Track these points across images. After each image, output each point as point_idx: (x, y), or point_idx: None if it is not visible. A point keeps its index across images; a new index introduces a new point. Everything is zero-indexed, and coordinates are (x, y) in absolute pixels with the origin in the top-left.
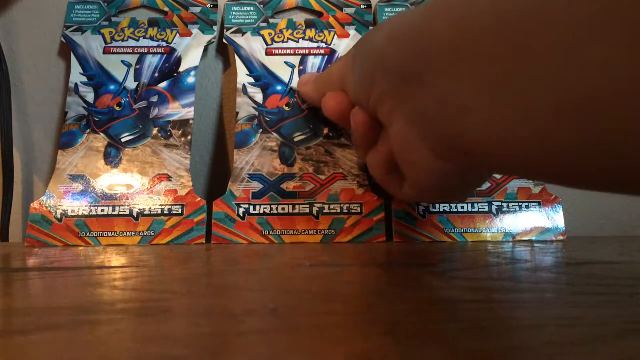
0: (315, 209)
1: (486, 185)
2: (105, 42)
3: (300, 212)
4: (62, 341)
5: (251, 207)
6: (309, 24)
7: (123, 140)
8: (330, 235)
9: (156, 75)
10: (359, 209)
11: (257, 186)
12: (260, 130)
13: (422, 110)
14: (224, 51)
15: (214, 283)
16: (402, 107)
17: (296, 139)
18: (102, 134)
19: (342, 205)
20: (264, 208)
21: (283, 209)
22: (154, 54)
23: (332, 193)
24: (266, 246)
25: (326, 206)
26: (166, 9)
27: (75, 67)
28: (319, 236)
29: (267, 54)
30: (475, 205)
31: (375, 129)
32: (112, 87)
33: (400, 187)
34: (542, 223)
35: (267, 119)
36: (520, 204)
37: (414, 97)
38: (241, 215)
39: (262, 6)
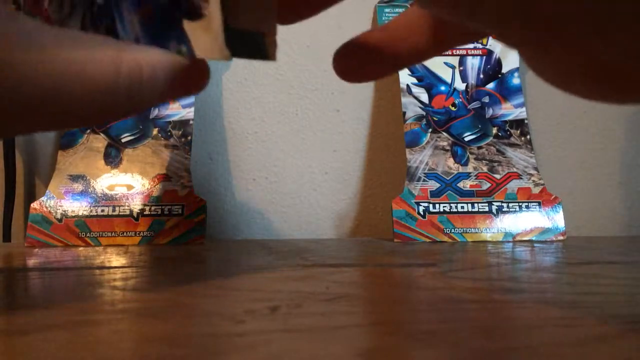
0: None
1: (486, 185)
2: None
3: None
4: (62, 341)
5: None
6: None
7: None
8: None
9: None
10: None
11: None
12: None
13: None
14: None
15: (214, 283)
16: None
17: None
18: (102, 135)
19: (520, 204)
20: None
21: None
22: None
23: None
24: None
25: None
26: None
27: None
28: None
29: None
30: (475, 205)
31: None
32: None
33: None
34: (542, 223)
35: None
36: (520, 204)
37: None
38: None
39: None
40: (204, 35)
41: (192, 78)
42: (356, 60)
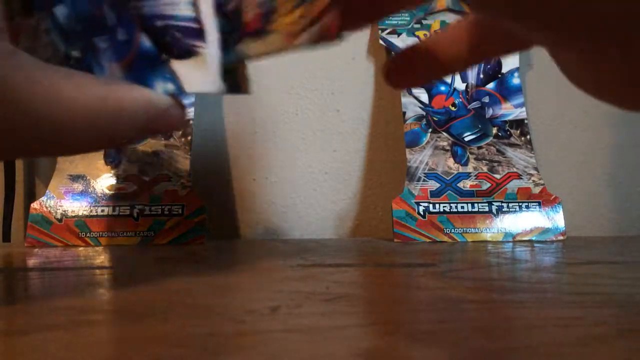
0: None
1: (486, 185)
2: None
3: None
4: (62, 341)
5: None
6: None
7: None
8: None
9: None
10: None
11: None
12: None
13: None
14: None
15: (214, 283)
16: None
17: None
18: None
19: (520, 204)
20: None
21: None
22: None
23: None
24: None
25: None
26: None
27: None
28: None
29: None
30: (475, 205)
31: None
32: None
33: None
34: (542, 223)
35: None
36: (520, 204)
37: None
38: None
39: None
40: (196, 72)
41: (171, 116)
42: (405, 69)
